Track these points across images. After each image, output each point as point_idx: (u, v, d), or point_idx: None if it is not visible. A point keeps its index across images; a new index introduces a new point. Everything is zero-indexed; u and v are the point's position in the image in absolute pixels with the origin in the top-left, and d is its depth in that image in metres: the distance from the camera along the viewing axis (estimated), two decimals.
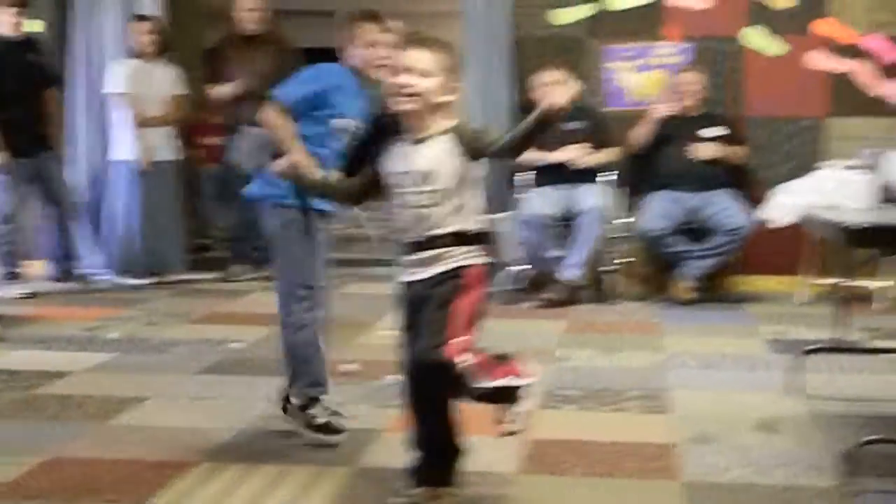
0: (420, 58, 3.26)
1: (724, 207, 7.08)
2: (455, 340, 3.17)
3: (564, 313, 6.82)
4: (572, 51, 7.66)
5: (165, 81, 7.88)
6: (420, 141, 3.30)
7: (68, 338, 6.00)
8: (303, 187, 3.76)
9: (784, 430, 4.32)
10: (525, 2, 7.68)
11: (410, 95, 3.25)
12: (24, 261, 7.47)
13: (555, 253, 7.06)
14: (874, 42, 7.44)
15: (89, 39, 8.04)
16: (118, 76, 7.71)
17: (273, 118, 3.99)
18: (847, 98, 7.46)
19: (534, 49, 7.67)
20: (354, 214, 9.08)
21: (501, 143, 3.23)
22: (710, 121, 7.39)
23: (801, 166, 7.19)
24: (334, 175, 3.77)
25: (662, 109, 7.29)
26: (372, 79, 4.05)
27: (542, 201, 7.08)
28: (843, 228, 3.81)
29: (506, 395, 3.30)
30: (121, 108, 7.73)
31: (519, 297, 7.14)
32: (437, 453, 3.41)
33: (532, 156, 7.24)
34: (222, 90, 7.77)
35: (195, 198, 10.28)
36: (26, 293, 7.27)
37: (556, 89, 3.21)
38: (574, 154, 7.12)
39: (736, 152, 7.31)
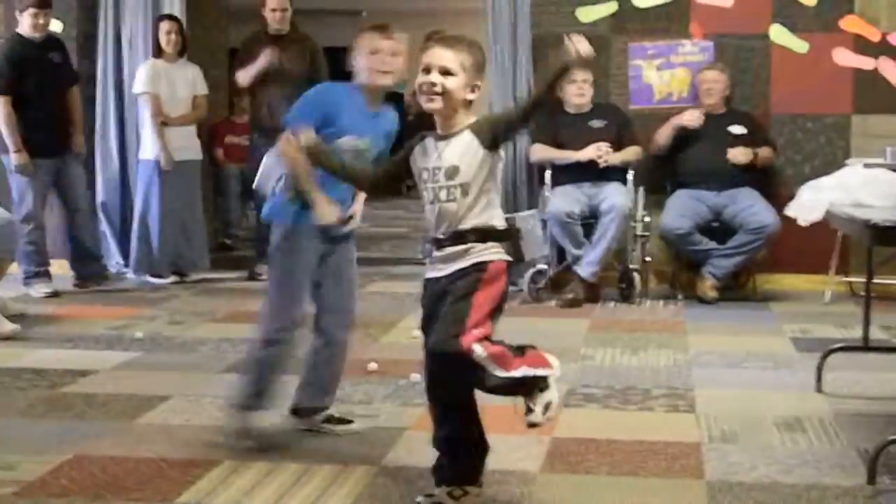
0: (444, 56, 3.27)
1: (748, 205, 7.04)
2: (471, 333, 3.17)
3: (589, 311, 6.81)
4: (597, 48, 7.63)
5: (188, 81, 7.91)
6: (445, 137, 3.32)
7: (93, 337, 6.02)
8: (323, 167, 3.71)
9: (809, 429, 4.30)
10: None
11: (435, 94, 3.27)
12: (47, 260, 7.49)
13: (576, 251, 7.04)
14: None
15: (116, 39, 8.08)
16: (144, 76, 7.75)
17: (286, 147, 3.94)
18: (872, 95, 7.42)
19: (556, 46, 7.63)
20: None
21: (516, 110, 3.24)
22: (734, 118, 7.37)
23: (827, 163, 7.18)
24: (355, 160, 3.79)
25: (686, 120, 7.24)
26: (377, 89, 4.00)
27: (565, 199, 7.07)
28: (869, 226, 3.78)
29: (524, 387, 3.28)
30: (147, 107, 7.76)
31: (541, 296, 7.14)
32: (460, 451, 3.40)
33: (557, 154, 7.25)
34: (248, 71, 7.70)
35: (219, 197, 10.36)
36: (49, 292, 7.31)
37: (577, 39, 3.19)
38: (598, 153, 7.10)
39: (767, 155, 7.28)
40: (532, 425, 3.30)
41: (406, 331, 5.89)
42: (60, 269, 7.68)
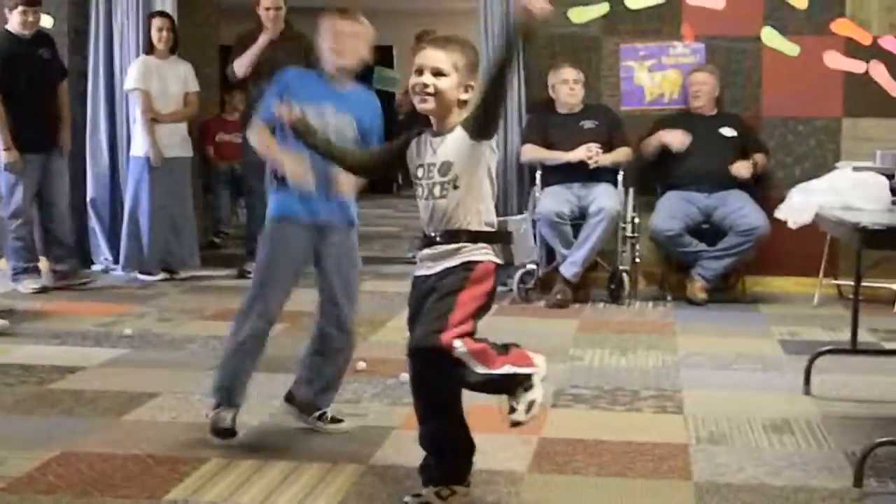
0: (436, 57, 3.29)
1: (738, 207, 7.05)
2: (452, 330, 3.17)
3: (578, 312, 6.82)
4: (588, 49, 7.65)
5: (179, 78, 7.90)
6: (440, 134, 3.35)
7: (82, 333, 6.01)
8: (308, 144, 3.67)
9: (796, 431, 4.31)
10: None
11: (427, 95, 3.29)
12: (35, 256, 7.47)
13: (565, 252, 7.04)
14: (891, 42, 7.40)
15: (107, 35, 8.07)
16: (135, 72, 7.74)
17: (258, 139, 4.05)
18: (863, 99, 7.43)
19: (547, 47, 7.66)
20: None
21: (484, 88, 3.24)
22: (725, 120, 7.38)
23: (817, 166, 7.20)
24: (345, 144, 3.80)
25: (670, 141, 7.25)
26: (339, 70, 4.04)
27: (555, 200, 7.07)
28: (858, 229, 3.79)
29: (508, 385, 3.27)
30: (138, 104, 7.75)
31: (530, 296, 7.14)
32: (446, 451, 3.41)
33: (548, 155, 7.25)
34: (244, 59, 7.63)
35: (209, 195, 10.35)
36: (37, 288, 7.29)
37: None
38: (588, 154, 7.10)
39: (763, 162, 7.29)
40: (515, 424, 3.30)
41: (395, 330, 5.88)
42: (48, 265, 7.65)
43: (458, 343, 3.16)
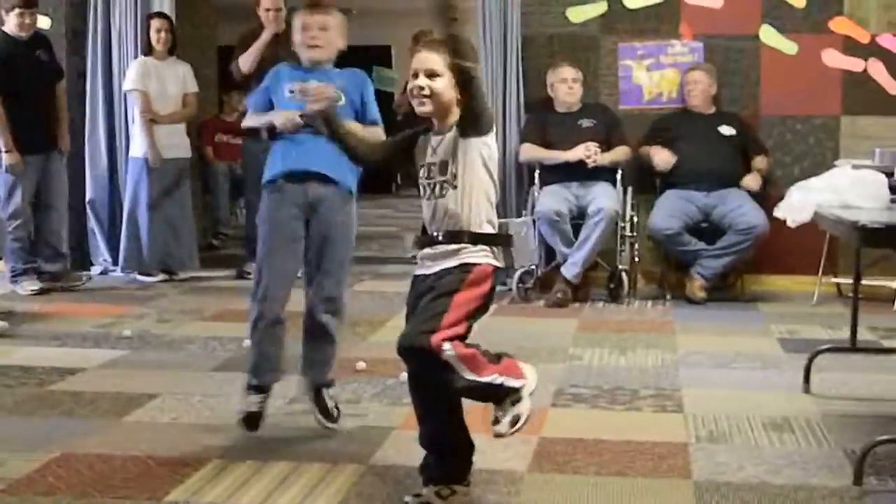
0: (429, 59, 3.31)
1: (737, 206, 7.05)
2: (444, 331, 3.16)
3: (577, 312, 6.82)
4: (586, 48, 7.65)
5: (178, 79, 7.90)
6: (440, 133, 3.36)
7: (81, 334, 6.01)
8: (329, 133, 3.63)
9: (796, 429, 4.31)
10: None
11: (424, 97, 3.31)
12: (34, 258, 7.47)
13: (566, 250, 7.04)
14: (890, 41, 7.41)
15: (105, 36, 8.07)
16: (134, 73, 7.74)
17: (250, 120, 4.23)
18: (861, 97, 7.44)
19: (546, 46, 7.67)
20: None
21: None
22: (723, 119, 7.38)
23: (816, 165, 7.20)
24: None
25: (657, 161, 7.26)
26: (312, 63, 4.12)
27: (554, 198, 7.07)
28: (858, 227, 3.79)
29: (495, 395, 3.25)
30: (137, 105, 7.75)
31: (530, 296, 7.14)
32: (446, 450, 3.41)
33: (546, 154, 7.25)
34: (248, 55, 7.55)
35: (207, 195, 10.35)
36: (36, 289, 7.29)
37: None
38: (587, 153, 7.09)
39: (766, 167, 7.30)
40: (497, 436, 3.29)
41: (395, 330, 5.85)
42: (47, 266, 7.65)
43: (447, 346, 3.14)
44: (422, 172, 3.38)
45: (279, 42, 7.62)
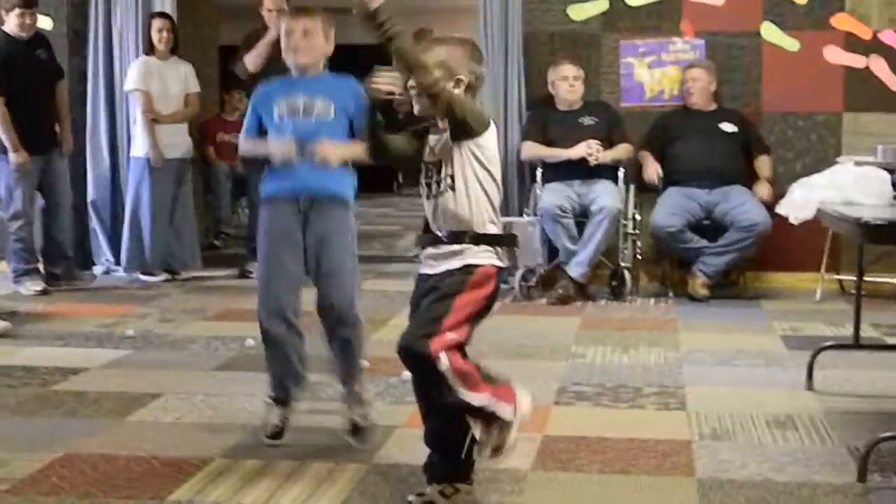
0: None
1: (739, 203, 7.04)
2: (444, 336, 3.15)
3: (580, 309, 6.82)
4: (588, 46, 7.65)
5: (180, 79, 7.90)
6: (438, 132, 3.35)
7: (84, 334, 6.01)
8: (372, 125, 3.45)
9: (799, 426, 4.31)
10: None
11: (418, 96, 3.29)
12: (36, 258, 7.47)
13: (571, 246, 7.04)
14: (891, 37, 7.40)
15: (107, 36, 8.07)
16: (135, 73, 7.74)
17: (246, 148, 4.22)
18: (863, 93, 7.43)
19: (547, 44, 7.67)
20: None
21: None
22: (724, 116, 7.38)
23: (818, 161, 7.19)
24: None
25: (647, 176, 7.27)
26: (298, 69, 4.10)
27: (556, 196, 7.07)
28: (860, 224, 3.79)
29: (482, 417, 3.22)
30: (139, 105, 7.75)
31: (532, 294, 7.14)
32: (449, 449, 3.40)
33: (548, 152, 7.25)
34: (253, 56, 7.49)
35: (209, 195, 10.36)
36: (39, 290, 7.29)
37: None
38: (589, 151, 7.09)
39: (769, 167, 7.29)
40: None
41: (397, 329, 5.84)
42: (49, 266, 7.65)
43: (443, 357, 3.13)
44: (423, 171, 3.38)
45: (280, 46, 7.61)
